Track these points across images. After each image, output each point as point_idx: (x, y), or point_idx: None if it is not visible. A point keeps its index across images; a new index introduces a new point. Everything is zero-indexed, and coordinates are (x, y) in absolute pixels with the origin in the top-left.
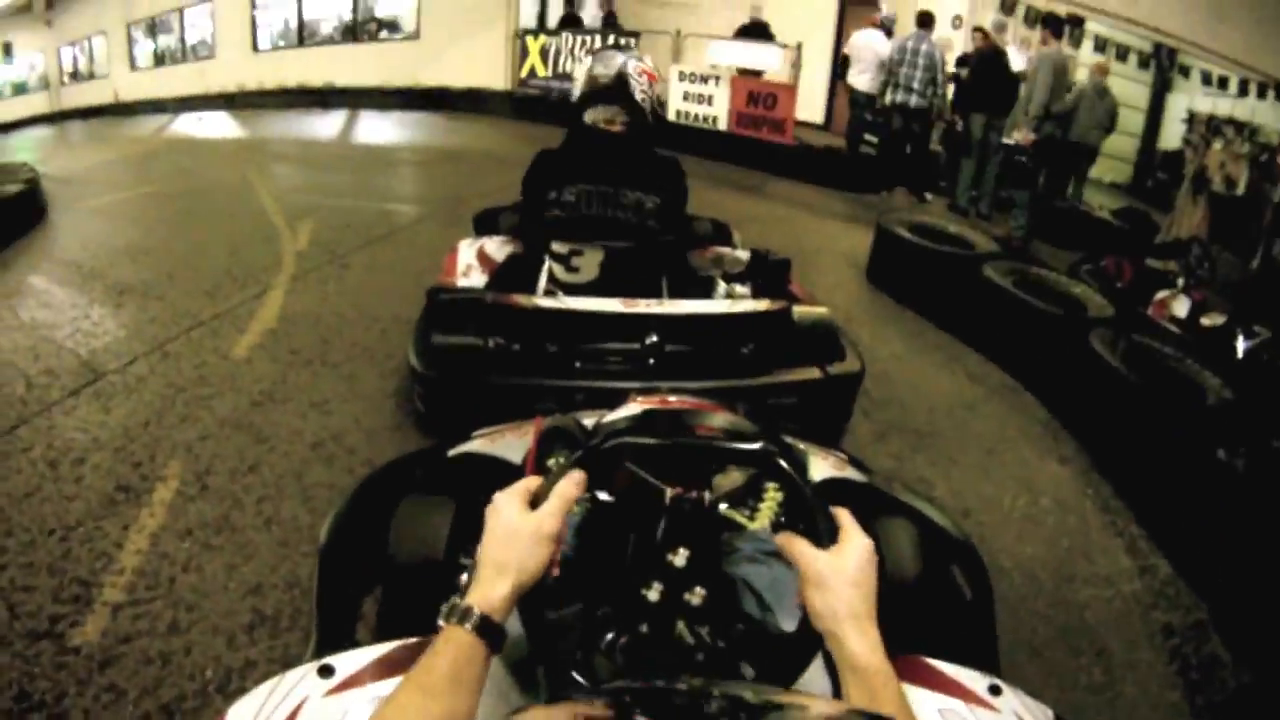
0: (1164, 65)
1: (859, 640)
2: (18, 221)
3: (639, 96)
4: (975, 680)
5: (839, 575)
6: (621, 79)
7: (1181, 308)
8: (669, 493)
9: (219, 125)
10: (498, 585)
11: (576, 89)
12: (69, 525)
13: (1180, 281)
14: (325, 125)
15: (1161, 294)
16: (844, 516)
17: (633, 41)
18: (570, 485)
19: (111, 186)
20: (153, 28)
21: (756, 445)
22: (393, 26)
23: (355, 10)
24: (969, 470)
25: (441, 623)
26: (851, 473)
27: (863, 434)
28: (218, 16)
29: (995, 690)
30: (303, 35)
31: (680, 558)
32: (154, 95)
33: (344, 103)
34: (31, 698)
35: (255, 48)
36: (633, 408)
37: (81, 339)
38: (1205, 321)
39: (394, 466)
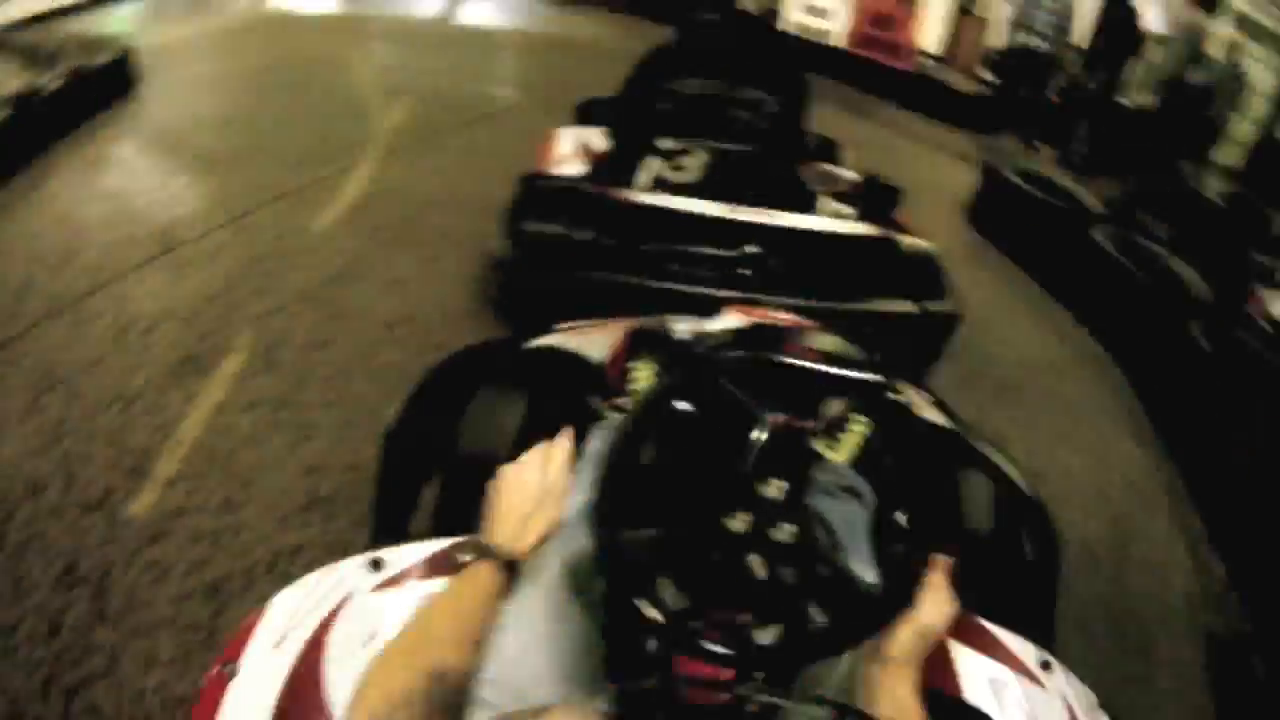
0: None
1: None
2: (107, 92)
3: (750, 5)
4: (1029, 653)
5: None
6: None
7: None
8: (770, 418)
9: (318, 2)
10: (526, 535)
11: None
12: (132, 395)
13: None
14: (427, 5)
15: (1263, 290)
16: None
17: None
18: (560, 450)
19: (204, 58)
20: None
21: (867, 376)
22: None
23: None
24: (1046, 433)
25: (465, 558)
26: (938, 416)
27: (946, 377)
28: None
29: (1046, 666)
30: None
31: (774, 489)
32: None
33: None
34: (77, 571)
35: None
36: (732, 319)
37: (160, 208)
38: None
39: (468, 354)
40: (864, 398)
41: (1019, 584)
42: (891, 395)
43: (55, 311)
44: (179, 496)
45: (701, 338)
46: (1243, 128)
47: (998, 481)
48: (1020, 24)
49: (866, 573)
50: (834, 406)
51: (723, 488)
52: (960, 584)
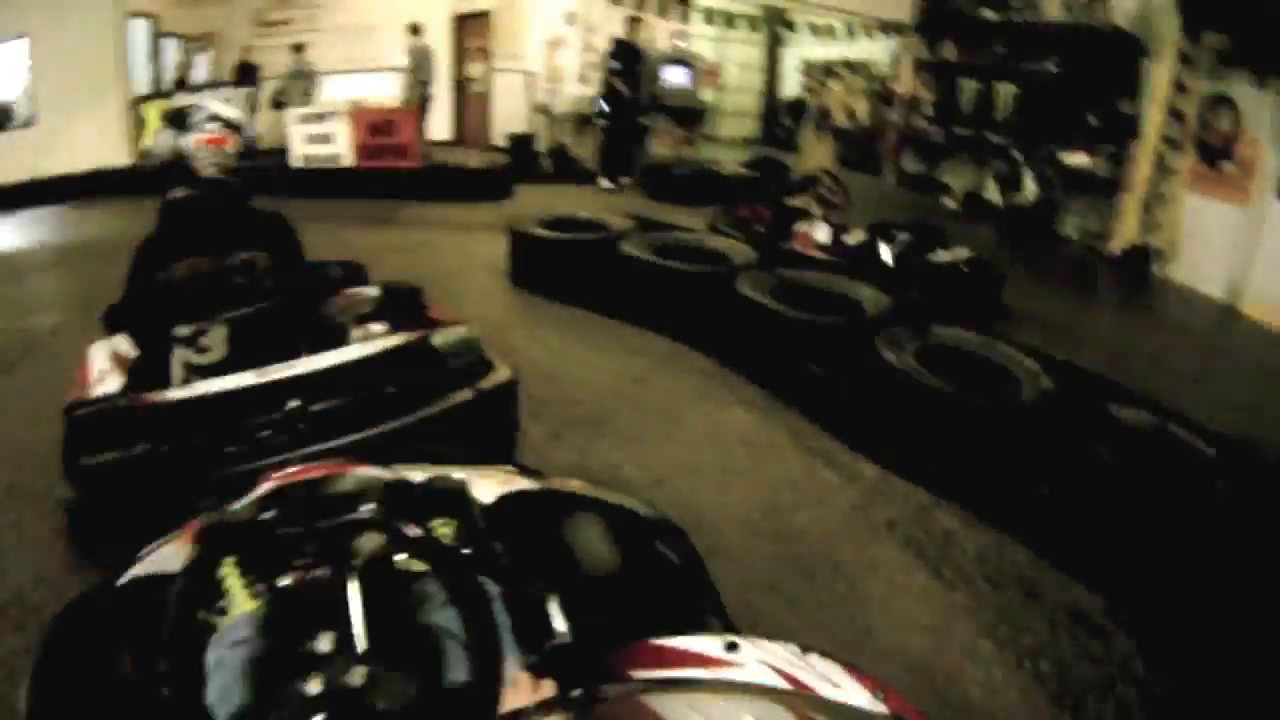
0: (773, 25)
1: None
2: None
3: (206, 172)
4: (711, 644)
5: None
6: (179, 157)
7: (823, 234)
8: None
9: None
10: None
11: (149, 167)
12: None
13: (817, 211)
14: None
15: (800, 226)
16: None
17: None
18: None
19: None
20: None
21: (371, 515)
22: (4, 116)
23: None
24: (653, 441)
25: None
26: (524, 483)
27: (537, 437)
28: None
29: (732, 647)
30: None
31: (324, 642)
32: None
33: None
34: None
35: None
36: (262, 488)
37: None
38: (849, 240)
39: (64, 617)
40: (386, 532)
41: (676, 593)
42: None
43: None
44: None
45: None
46: (740, 100)
47: (611, 514)
48: None
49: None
50: (367, 543)
51: (285, 660)
52: (617, 620)
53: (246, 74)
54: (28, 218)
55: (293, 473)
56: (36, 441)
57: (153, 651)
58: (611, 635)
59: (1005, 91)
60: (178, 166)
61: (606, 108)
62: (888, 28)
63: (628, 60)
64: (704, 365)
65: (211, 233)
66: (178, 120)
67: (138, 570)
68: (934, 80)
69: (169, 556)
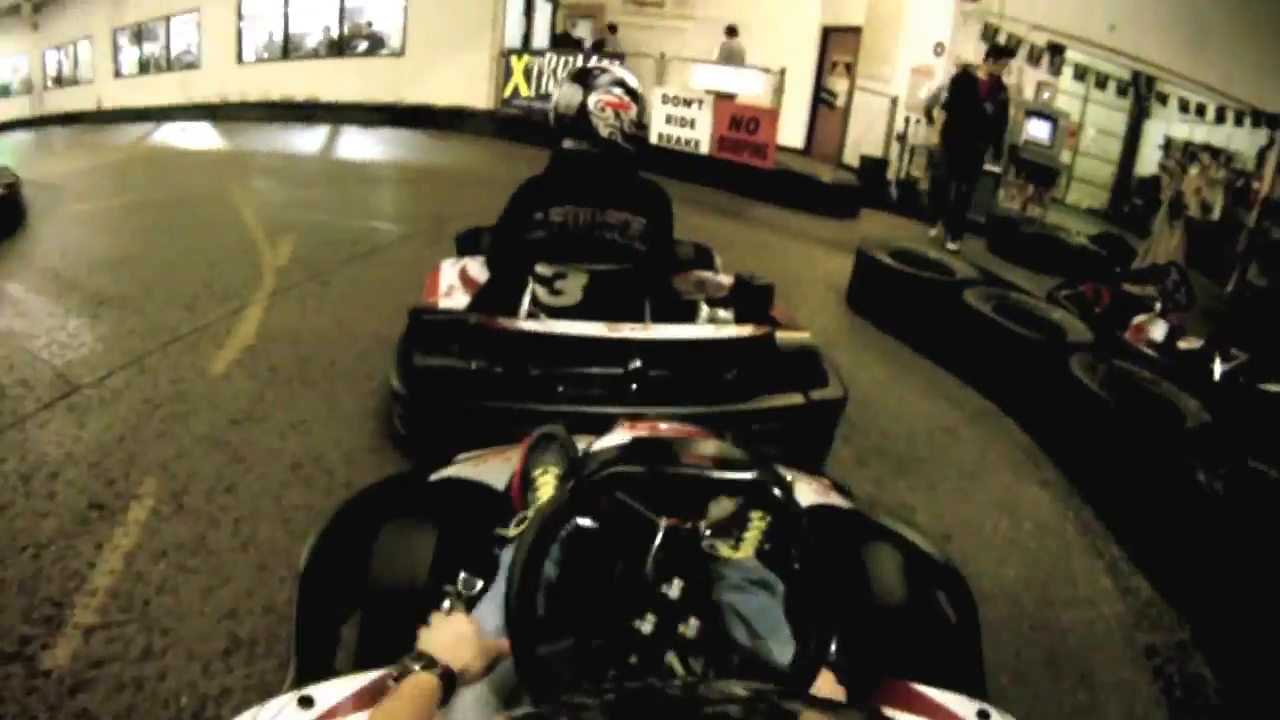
0: (1142, 93)
1: None
2: None
3: (604, 131)
4: (963, 706)
5: None
6: (583, 112)
7: (1159, 332)
8: (663, 523)
9: (201, 136)
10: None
11: (551, 116)
12: (41, 542)
13: (1157, 306)
14: (307, 140)
15: (1139, 318)
16: None
17: (615, 63)
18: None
19: (92, 194)
20: (138, 35)
21: (750, 474)
22: (377, 42)
23: (341, 25)
24: (949, 495)
25: (414, 666)
26: (836, 498)
27: (844, 459)
28: (203, 26)
29: (984, 715)
30: (287, 48)
31: (674, 589)
32: (137, 103)
33: (327, 118)
34: None
35: (240, 59)
36: (621, 435)
37: (57, 350)
38: (1182, 345)
39: (374, 490)
40: (751, 495)
41: (943, 645)
42: (777, 490)
43: None
44: (98, 646)
45: (594, 456)
46: (1094, 168)
47: (908, 551)
48: None
49: (784, 655)
50: (723, 506)
51: (627, 593)
52: (884, 655)
53: (565, 42)
54: (387, 135)
55: (646, 424)
56: (368, 331)
57: (451, 546)
58: (878, 665)
59: None
60: (576, 121)
61: (940, 146)
62: (1261, 117)
63: (962, 96)
64: (1014, 433)
65: (596, 188)
66: (583, 78)
67: (452, 471)
68: None
69: (490, 469)
